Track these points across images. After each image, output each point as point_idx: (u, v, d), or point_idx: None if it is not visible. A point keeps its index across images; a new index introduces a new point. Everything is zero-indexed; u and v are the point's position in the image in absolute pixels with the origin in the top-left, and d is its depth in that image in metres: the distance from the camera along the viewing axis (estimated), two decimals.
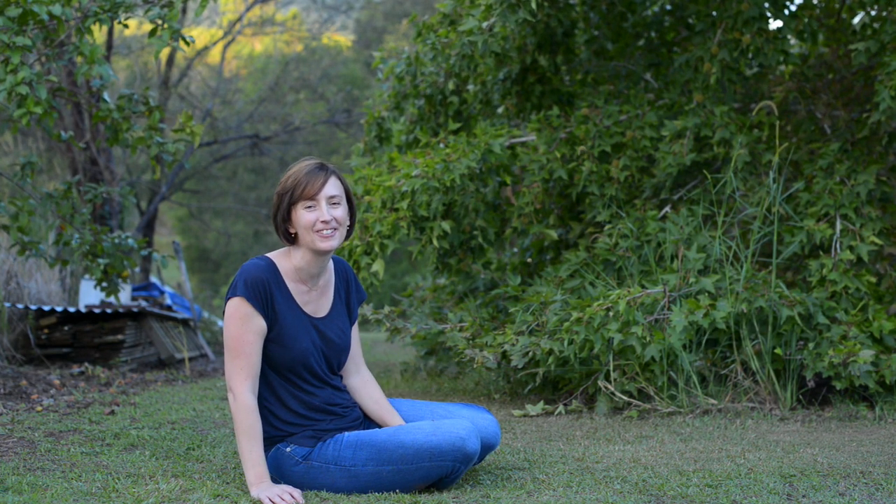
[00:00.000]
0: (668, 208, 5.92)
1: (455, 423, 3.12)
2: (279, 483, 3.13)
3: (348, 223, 3.24)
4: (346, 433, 3.17)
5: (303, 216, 3.14)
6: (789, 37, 6.25)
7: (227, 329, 3.12)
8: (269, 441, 3.21)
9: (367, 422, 3.41)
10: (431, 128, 6.72)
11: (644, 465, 3.63)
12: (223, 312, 3.15)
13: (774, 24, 6.29)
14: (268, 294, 3.14)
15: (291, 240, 3.21)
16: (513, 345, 5.21)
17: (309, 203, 3.14)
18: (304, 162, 3.22)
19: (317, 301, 3.27)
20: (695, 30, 6.27)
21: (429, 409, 3.43)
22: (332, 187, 3.16)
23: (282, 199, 3.17)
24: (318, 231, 3.14)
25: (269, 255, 3.24)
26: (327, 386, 3.28)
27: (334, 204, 3.17)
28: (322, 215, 3.13)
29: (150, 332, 7.76)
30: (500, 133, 5.87)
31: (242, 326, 3.10)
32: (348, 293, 3.39)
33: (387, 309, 5.97)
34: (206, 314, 14.24)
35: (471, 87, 6.76)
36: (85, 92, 9.69)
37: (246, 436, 3.06)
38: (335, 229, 3.16)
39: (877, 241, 5.29)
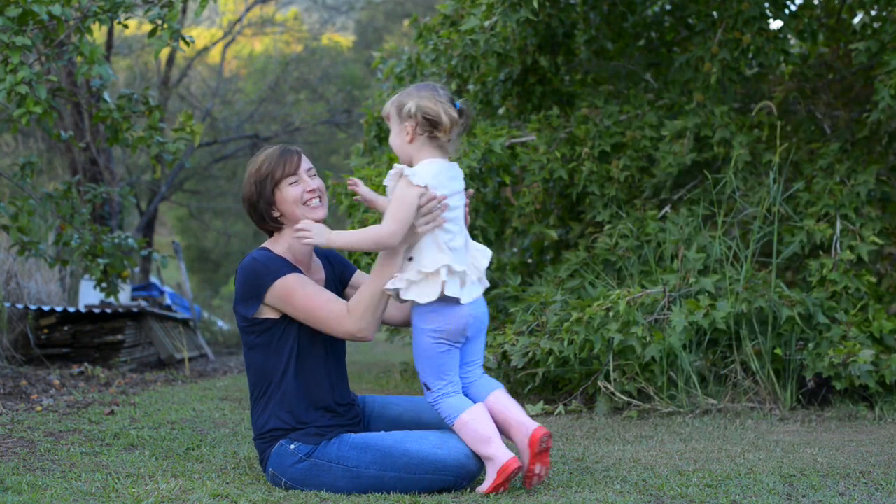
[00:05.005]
0: (668, 208, 5.92)
1: (463, 444, 3.12)
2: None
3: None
4: (352, 434, 3.19)
5: (289, 192, 3.25)
6: (789, 37, 6.25)
7: (295, 301, 3.13)
8: (273, 436, 3.21)
9: (366, 423, 3.44)
10: None
11: (644, 465, 3.63)
12: (256, 302, 3.18)
13: (775, 24, 6.28)
14: (288, 263, 3.23)
15: (276, 225, 3.30)
16: (513, 345, 5.21)
17: (292, 179, 3.26)
18: (267, 150, 3.34)
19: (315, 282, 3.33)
20: (695, 30, 6.27)
21: (429, 406, 3.44)
22: (307, 161, 3.33)
23: (262, 184, 3.27)
24: (306, 202, 3.25)
25: (259, 248, 3.31)
26: (342, 372, 3.34)
27: (313, 175, 3.32)
28: (307, 185, 3.26)
29: (150, 332, 7.76)
30: (501, 133, 5.87)
31: (305, 286, 3.15)
32: (332, 265, 3.47)
33: None
34: (205, 314, 14.25)
35: (471, 87, 6.76)
36: (85, 92, 9.68)
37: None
38: (320, 198, 3.29)
39: (877, 240, 5.28)
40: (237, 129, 17.60)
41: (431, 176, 3.02)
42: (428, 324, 3.06)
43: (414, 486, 3.09)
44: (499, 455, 3.04)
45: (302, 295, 3.15)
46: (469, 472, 3.10)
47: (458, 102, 3.07)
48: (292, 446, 3.17)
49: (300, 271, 3.25)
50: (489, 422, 3.09)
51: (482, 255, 3.21)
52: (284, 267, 3.20)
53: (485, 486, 3.06)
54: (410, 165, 3.08)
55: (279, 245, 3.30)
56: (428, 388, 3.13)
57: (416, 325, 3.11)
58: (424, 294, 3.00)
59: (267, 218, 3.29)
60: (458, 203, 3.12)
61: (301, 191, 3.25)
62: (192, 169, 17.40)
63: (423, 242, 3.04)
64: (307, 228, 3.05)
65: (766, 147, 5.85)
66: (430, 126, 3.04)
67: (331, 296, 3.18)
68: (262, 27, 18.83)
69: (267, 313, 3.21)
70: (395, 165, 3.06)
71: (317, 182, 3.30)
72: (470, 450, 3.09)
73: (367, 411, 3.48)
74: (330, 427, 3.22)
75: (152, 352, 7.80)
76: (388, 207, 3.02)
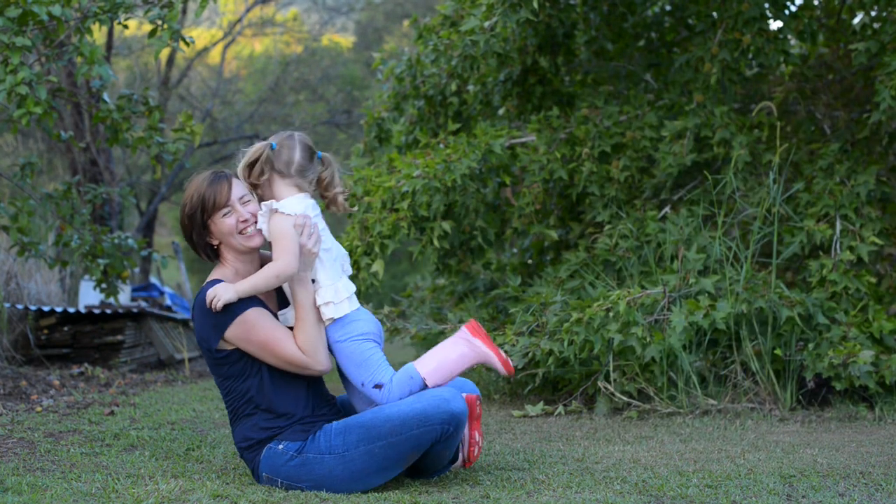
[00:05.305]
0: (667, 208, 5.92)
1: (436, 389, 3.20)
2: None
3: None
4: (334, 423, 3.22)
5: (223, 223, 3.24)
6: (789, 37, 6.25)
7: (255, 338, 3.17)
8: (259, 444, 3.22)
9: (346, 411, 3.46)
10: (431, 128, 6.72)
11: (644, 465, 3.63)
12: (217, 338, 3.18)
13: (775, 25, 6.28)
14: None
15: (215, 253, 3.31)
16: (513, 345, 5.21)
17: (224, 210, 3.24)
18: (198, 177, 3.30)
19: (268, 300, 3.33)
20: (695, 30, 6.27)
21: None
22: (238, 188, 3.28)
23: (193, 218, 3.25)
24: (241, 232, 3.25)
25: (210, 278, 3.30)
26: (319, 378, 3.37)
27: (246, 202, 3.28)
28: (240, 215, 3.25)
29: (150, 332, 7.76)
30: (501, 133, 5.87)
31: (263, 324, 3.17)
32: None
33: (386, 309, 5.98)
34: None
35: (471, 87, 6.76)
36: (85, 92, 9.68)
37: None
38: (255, 223, 3.27)
39: (877, 241, 5.28)
40: (237, 129, 17.60)
41: (300, 207, 3.24)
42: (350, 332, 3.25)
43: (404, 447, 3.11)
44: (460, 337, 3.31)
45: (262, 331, 3.17)
46: (453, 414, 3.12)
47: (320, 153, 3.36)
48: (281, 446, 3.19)
49: (255, 298, 3.24)
50: (430, 352, 3.32)
51: (345, 255, 3.45)
52: (242, 300, 3.18)
53: (495, 361, 3.29)
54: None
55: (227, 271, 3.29)
56: (380, 387, 3.22)
57: (338, 340, 3.26)
58: (341, 309, 3.25)
59: (202, 249, 3.29)
60: (323, 224, 3.34)
61: (235, 221, 3.24)
62: (192, 169, 17.38)
63: (317, 266, 3.25)
64: (214, 295, 3.12)
65: (766, 147, 5.85)
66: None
67: (288, 332, 3.21)
68: (262, 28, 18.83)
69: (232, 346, 3.22)
70: (263, 204, 3.26)
71: (250, 208, 3.27)
72: (447, 392, 3.15)
73: (347, 408, 3.49)
74: (313, 422, 3.25)
75: (152, 352, 7.79)
76: (274, 245, 3.21)
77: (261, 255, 3.41)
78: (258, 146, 3.27)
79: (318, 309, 3.23)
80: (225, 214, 3.24)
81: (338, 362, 3.29)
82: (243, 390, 3.24)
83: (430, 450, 3.17)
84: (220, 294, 3.12)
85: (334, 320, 3.24)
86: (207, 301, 3.13)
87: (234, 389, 3.25)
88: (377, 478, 3.17)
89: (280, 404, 3.23)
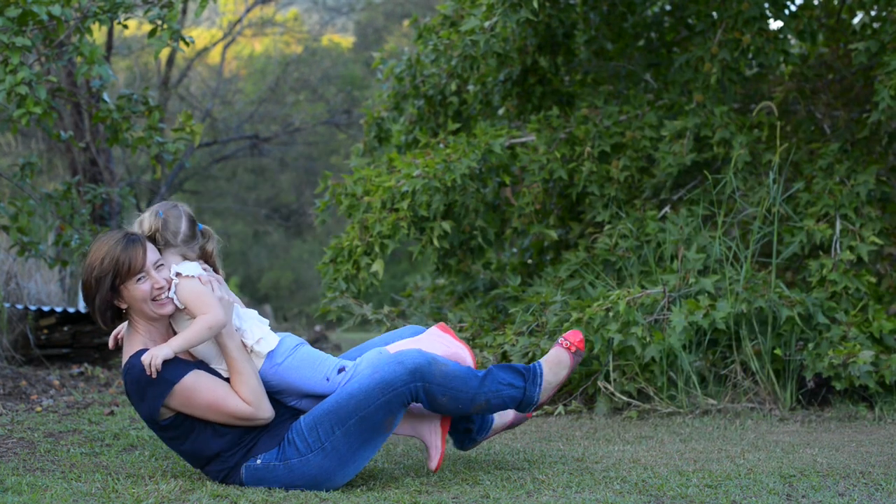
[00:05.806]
0: (667, 208, 5.92)
1: (393, 353, 3.22)
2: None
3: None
4: (301, 419, 3.20)
5: (137, 290, 3.14)
6: (789, 37, 6.25)
7: (197, 402, 3.12)
8: (235, 467, 3.20)
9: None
10: (431, 128, 6.72)
11: (644, 465, 3.63)
12: (158, 410, 3.13)
13: (774, 24, 6.29)
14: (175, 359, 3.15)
15: (116, 315, 3.23)
16: (513, 345, 5.21)
17: (139, 276, 3.14)
18: (108, 239, 3.18)
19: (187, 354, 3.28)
20: (695, 30, 6.28)
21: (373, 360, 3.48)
22: (152, 253, 3.19)
23: (102, 281, 3.13)
24: (154, 299, 3.16)
25: (128, 353, 3.22)
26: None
27: (160, 267, 3.19)
28: (156, 282, 3.16)
29: None
30: (500, 133, 5.88)
31: (203, 386, 3.13)
32: None
33: (386, 309, 5.97)
34: None
35: (471, 87, 6.76)
36: (85, 92, 9.68)
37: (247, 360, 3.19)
38: (169, 290, 3.19)
39: (877, 240, 5.29)
40: (237, 129, 17.60)
41: (196, 269, 3.26)
42: (285, 350, 3.29)
43: (377, 416, 3.13)
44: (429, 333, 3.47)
45: (203, 394, 3.12)
46: (412, 372, 3.14)
47: (201, 226, 3.37)
48: (258, 461, 3.18)
49: (184, 360, 3.17)
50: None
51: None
52: (174, 368, 3.10)
53: (464, 354, 3.39)
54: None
55: (143, 338, 3.20)
56: (343, 369, 3.28)
57: (279, 363, 3.28)
58: (271, 341, 3.30)
59: (101, 313, 3.17)
60: (218, 280, 3.37)
61: (150, 288, 3.14)
62: (191, 169, 17.40)
63: (234, 315, 3.27)
64: (151, 357, 3.04)
65: (766, 147, 5.85)
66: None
67: (229, 387, 3.16)
68: (262, 28, 18.83)
69: (175, 411, 3.16)
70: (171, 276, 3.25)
71: (164, 274, 3.18)
72: (401, 355, 3.19)
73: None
74: (277, 425, 3.24)
75: None
76: (192, 305, 3.18)
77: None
78: (148, 218, 3.25)
79: (250, 355, 3.23)
80: (139, 280, 3.13)
81: (290, 383, 3.25)
82: (200, 442, 3.18)
83: (429, 405, 3.19)
84: (156, 353, 3.05)
85: (268, 354, 3.27)
86: (145, 365, 3.04)
87: (195, 446, 3.20)
88: (366, 451, 3.17)
89: (237, 439, 3.20)
